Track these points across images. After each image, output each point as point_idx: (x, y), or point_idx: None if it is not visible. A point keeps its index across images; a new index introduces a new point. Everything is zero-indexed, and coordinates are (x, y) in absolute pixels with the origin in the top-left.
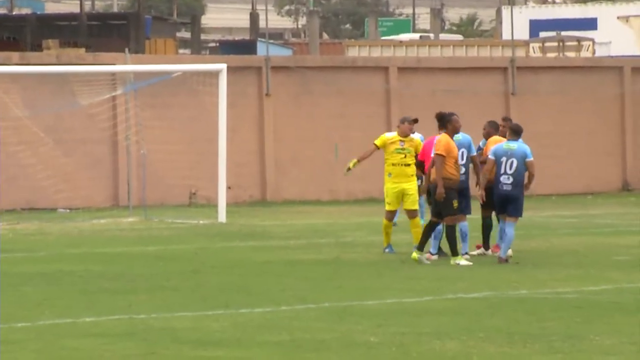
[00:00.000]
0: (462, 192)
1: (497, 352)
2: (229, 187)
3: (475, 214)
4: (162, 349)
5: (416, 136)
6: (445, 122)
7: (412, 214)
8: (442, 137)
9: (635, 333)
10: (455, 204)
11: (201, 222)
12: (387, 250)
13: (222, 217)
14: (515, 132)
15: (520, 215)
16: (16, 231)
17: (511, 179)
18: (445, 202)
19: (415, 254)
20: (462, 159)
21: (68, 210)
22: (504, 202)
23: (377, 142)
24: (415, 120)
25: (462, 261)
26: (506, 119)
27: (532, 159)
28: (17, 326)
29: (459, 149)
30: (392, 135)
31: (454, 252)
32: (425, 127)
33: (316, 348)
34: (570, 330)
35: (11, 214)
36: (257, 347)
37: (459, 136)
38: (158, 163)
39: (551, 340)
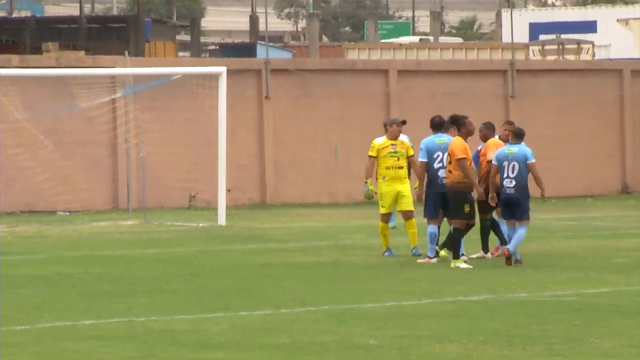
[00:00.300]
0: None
1: (496, 355)
2: (228, 190)
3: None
4: (161, 351)
5: (403, 138)
6: (459, 125)
7: (408, 214)
8: (458, 141)
9: (634, 336)
10: (467, 208)
11: (201, 224)
12: (386, 253)
13: (221, 219)
14: (518, 136)
15: (528, 217)
16: (15, 234)
17: (513, 183)
18: (457, 205)
19: (443, 252)
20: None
21: (67, 213)
22: (508, 206)
23: (372, 152)
24: (404, 122)
25: (462, 264)
26: (510, 123)
27: (533, 161)
28: (17, 329)
29: (443, 152)
30: (382, 140)
31: (455, 255)
32: (423, 129)
33: (316, 351)
34: (570, 332)
35: (10, 217)
36: (256, 350)
37: (444, 138)
38: (157, 165)
39: (551, 343)
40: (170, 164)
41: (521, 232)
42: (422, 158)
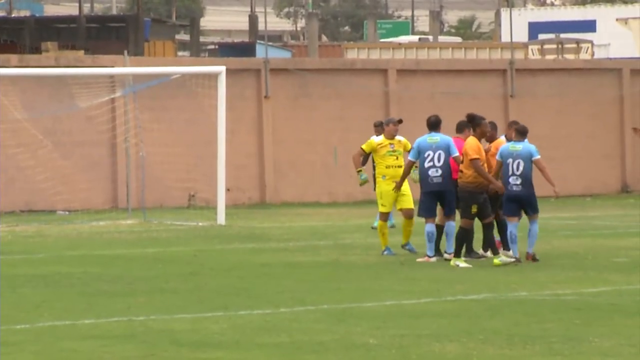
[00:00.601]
0: (442, 195)
1: (496, 354)
2: (227, 190)
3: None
4: (161, 351)
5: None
6: (475, 125)
7: (408, 213)
8: (472, 141)
9: (634, 335)
10: (474, 209)
11: (200, 224)
12: (385, 252)
13: (221, 219)
14: (521, 133)
15: (538, 210)
16: (15, 233)
17: (520, 180)
18: (465, 205)
19: (496, 260)
20: (439, 161)
21: (67, 213)
22: (514, 204)
23: (365, 147)
24: (400, 121)
25: (462, 263)
26: (516, 123)
27: (539, 157)
28: (16, 328)
29: (434, 152)
30: (381, 139)
31: (457, 254)
32: (422, 129)
33: (315, 350)
34: (569, 332)
35: (10, 216)
36: (256, 349)
37: (436, 138)
38: (157, 165)
39: (551, 342)
40: (169, 163)
41: (535, 229)
42: (410, 156)
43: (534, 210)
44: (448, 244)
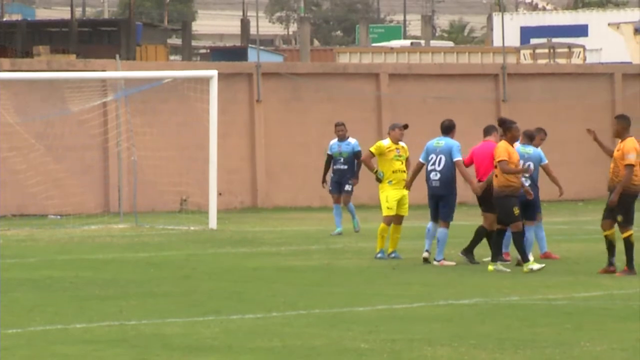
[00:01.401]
0: (439, 199)
1: (488, 359)
2: (219, 194)
3: (462, 221)
4: (152, 355)
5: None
6: (505, 130)
7: (401, 220)
8: (502, 145)
9: (625, 339)
10: (516, 210)
11: (192, 228)
12: (379, 255)
13: (212, 223)
14: (530, 138)
15: (537, 216)
16: (7, 237)
17: (529, 182)
18: (506, 210)
19: (491, 267)
20: (439, 165)
21: (59, 217)
22: (523, 204)
23: (374, 150)
24: (405, 126)
25: (535, 265)
26: (540, 130)
27: (547, 162)
28: (7, 332)
29: (437, 156)
30: (388, 143)
31: (525, 258)
32: (414, 133)
33: (307, 354)
34: (561, 336)
35: (2, 220)
36: (248, 353)
37: (442, 142)
38: (149, 169)
39: (542, 346)
40: (161, 167)
41: (531, 237)
42: (420, 158)
43: (535, 215)
44: (438, 251)
